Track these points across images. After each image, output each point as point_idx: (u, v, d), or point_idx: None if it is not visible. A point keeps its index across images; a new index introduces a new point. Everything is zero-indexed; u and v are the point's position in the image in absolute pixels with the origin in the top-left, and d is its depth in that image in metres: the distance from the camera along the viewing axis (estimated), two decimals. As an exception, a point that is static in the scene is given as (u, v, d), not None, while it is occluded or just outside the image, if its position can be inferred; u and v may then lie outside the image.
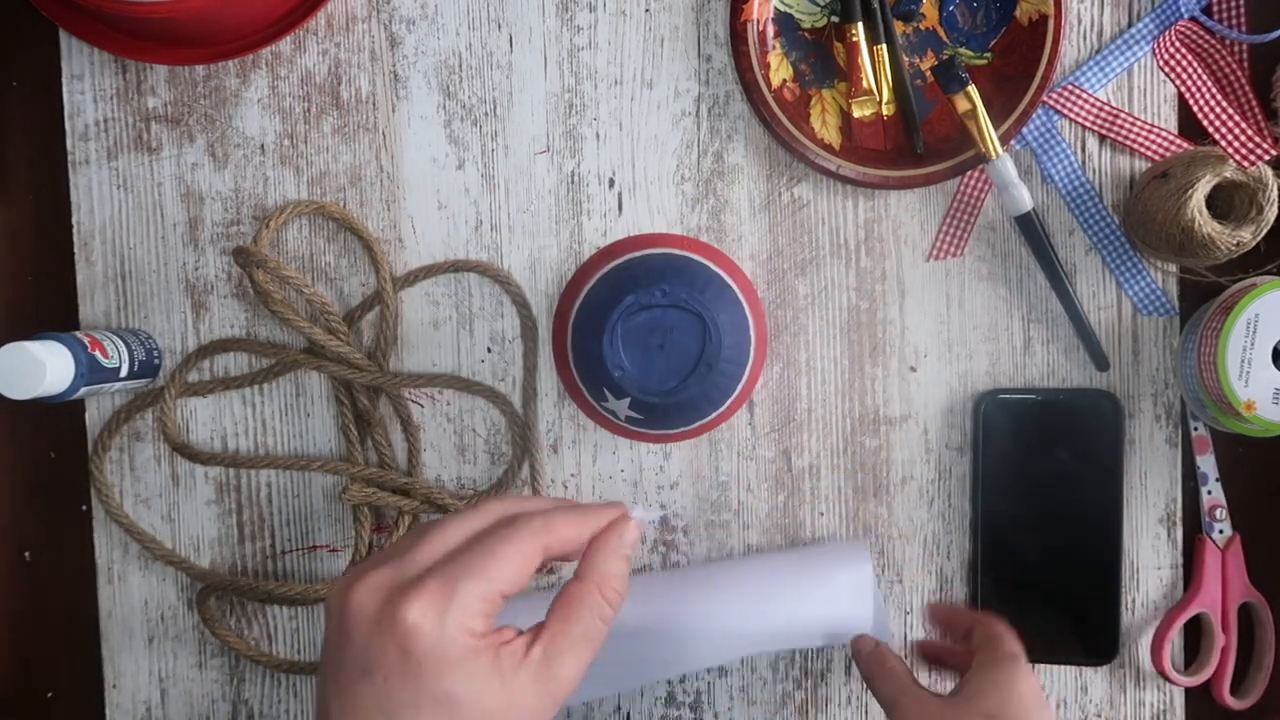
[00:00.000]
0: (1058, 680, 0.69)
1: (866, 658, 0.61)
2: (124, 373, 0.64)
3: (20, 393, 0.59)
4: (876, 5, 0.65)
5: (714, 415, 0.64)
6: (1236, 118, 0.64)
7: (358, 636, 0.42)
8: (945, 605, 0.68)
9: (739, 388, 0.63)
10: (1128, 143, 0.66)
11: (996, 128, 0.64)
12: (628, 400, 0.60)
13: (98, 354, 0.62)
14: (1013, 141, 0.66)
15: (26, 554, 0.70)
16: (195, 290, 0.68)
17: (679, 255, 0.63)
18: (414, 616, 0.41)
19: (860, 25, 0.65)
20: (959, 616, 0.65)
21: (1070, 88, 0.66)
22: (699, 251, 0.65)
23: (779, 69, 0.66)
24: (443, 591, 0.42)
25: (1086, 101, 0.66)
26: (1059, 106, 0.66)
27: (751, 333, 0.63)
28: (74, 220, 0.68)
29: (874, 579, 0.65)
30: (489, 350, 0.68)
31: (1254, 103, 0.66)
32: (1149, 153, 0.66)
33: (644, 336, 0.59)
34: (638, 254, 0.64)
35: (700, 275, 0.61)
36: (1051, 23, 0.64)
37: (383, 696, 0.41)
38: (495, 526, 0.44)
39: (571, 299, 0.66)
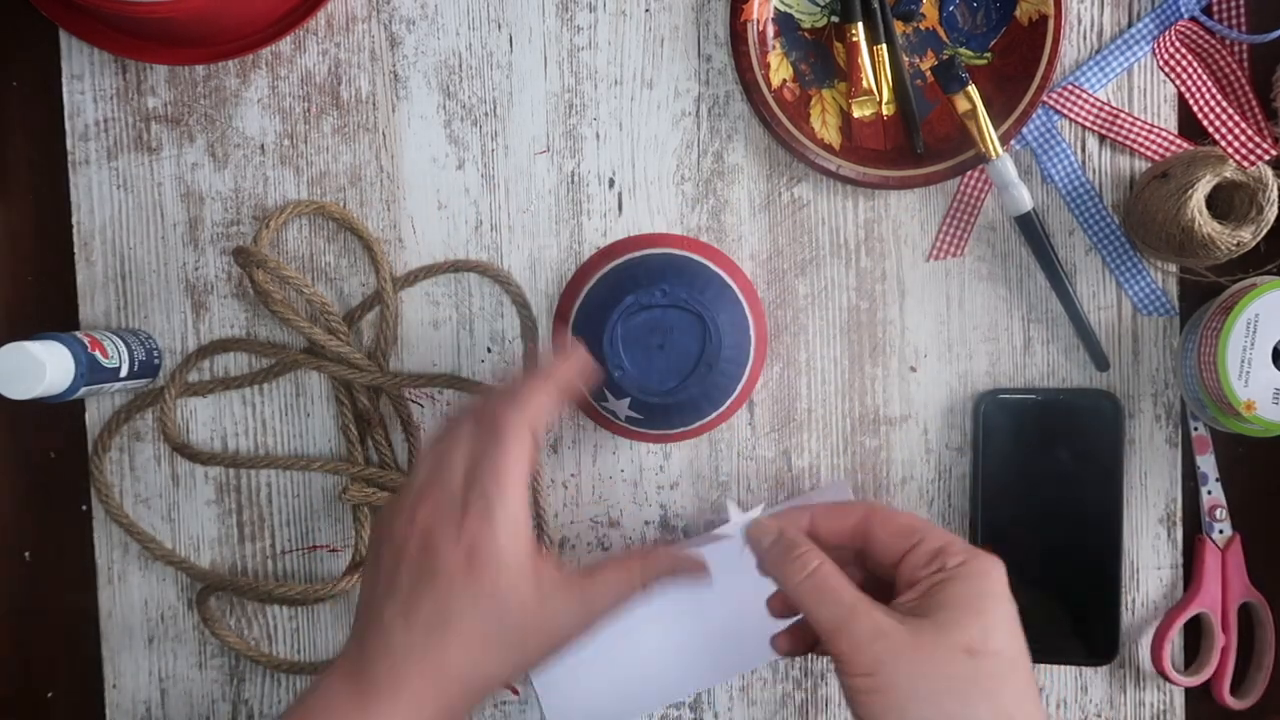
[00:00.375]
0: (1058, 680, 0.69)
1: (776, 553, 0.49)
2: (124, 373, 0.64)
3: (20, 393, 0.58)
4: (876, 5, 0.65)
5: (714, 415, 0.64)
6: (1236, 118, 0.64)
7: (425, 550, 0.48)
8: (820, 517, 0.52)
9: (739, 388, 0.63)
10: (1128, 143, 0.66)
11: (996, 128, 0.64)
12: (628, 400, 0.60)
13: (98, 354, 0.62)
14: (1013, 141, 0.66)
15: (26, 554, 0.70)
16: (195, 290, 0.68)
17: (679, 255, 0.63)
18: (473, 529, 0.47)
19: (860, 25, 0.65)
20: (841, 524, 0.51)
21: (1070, 88, 0.66)
22: (699, 251, 0.65)
23: (779, 69, 0.66)
24: (486, 511, 0.48)
25: (1086, 101, 0.66)
26: (1059, 106, 0.66)
27: (751, 333, 0.63)
28: (74, 220, 0.68)
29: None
30: (489, 350, 0.68)
31: (1254, 103, 0.66)
32: (1149, 153, 0.66)
33: (644, 336, 0.59)
34: (637, 254, 0.64)
35: (700, 275, 0.61)
36: (1051, 23, 0.64)
37: (443, 598, 0.47)
38: (484, 435, 0.49)
39: (571, 299, 0.66)
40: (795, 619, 0.53)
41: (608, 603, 0.50)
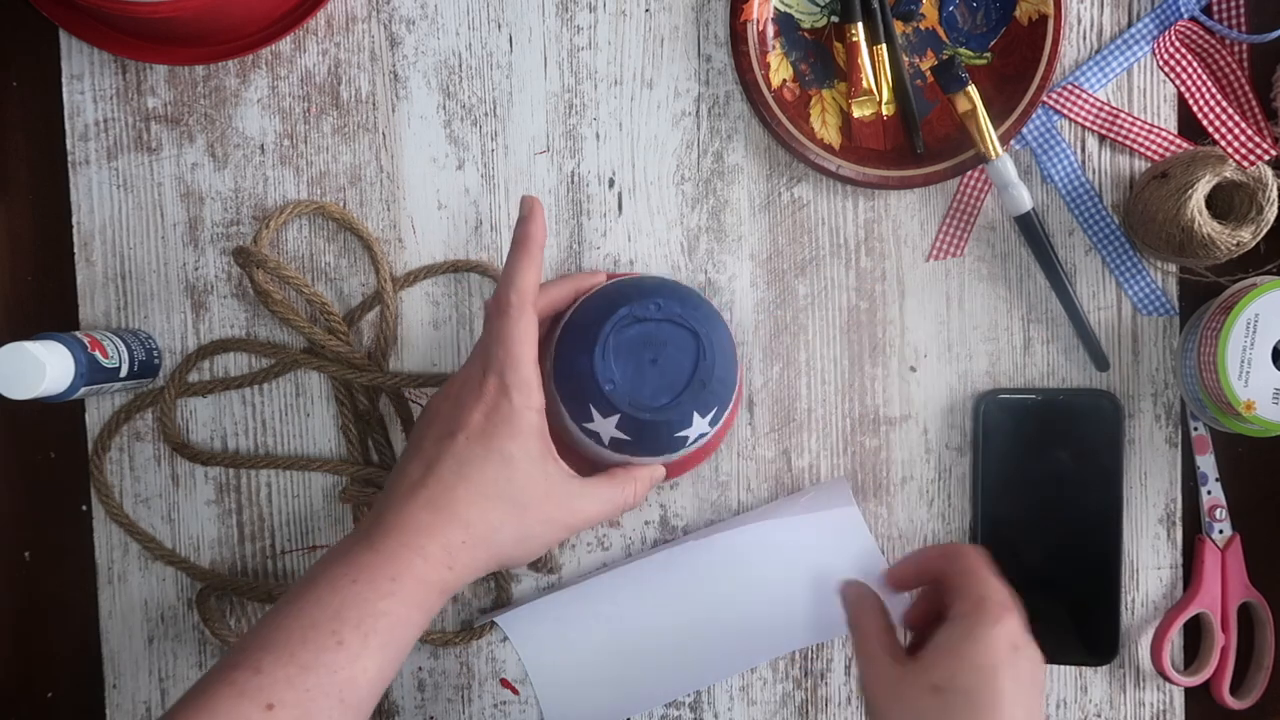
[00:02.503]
0: (1058, 680, 0.69)
1: (851, 605, 0.57)
2: (124, 373, 0.64)
3: (20, 393, 0.58)
4: (876, 5, 0.65)
5: (696, 445, 0.63)
6: (1236, 118, 0.64)
7: (457, 406, 0.55)
8: (906, 563, 0.60)
9: (724, 415, 0.61)
10: (1128, 143, 0.66)
11: (996, 128, 0.64)
12: (616, 418, 0.58)
13: (98, 354, 0.62)
14: (1013, 141, 0.66)
15: (26, 554, 0.70)
16: (195, 290, 0.68)
17: (670, 277, 0.62)
18: (490, 393, 0.54)
19: (860, 25, 0.65)
20: (928, 564, 0.58)
21: (1070, 88, 0.66)
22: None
23: (779, 69, 0.66)
24: (499, 381, 0.54)
25: (1086, 101, 0.66)
26: (1059, 106, 0.66)
27: (738, 361, 0.61)
28: (74, 220, 0.68)
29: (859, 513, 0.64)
30: (489, 350, 0.68)
31: (1254, 103, 0.66)
32: (1149, 153, 0.66)
33: (636, 350, 0.57)
34: (625, 275, 0.63)
35: (692, 295, 0.60)
36: (1051, 23, 0.64)
37: (462, 451, 0.54)
38: (491, 319, 0.56)
39: (549, 327, 0.62)
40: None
41: (601, 501, 0.57)
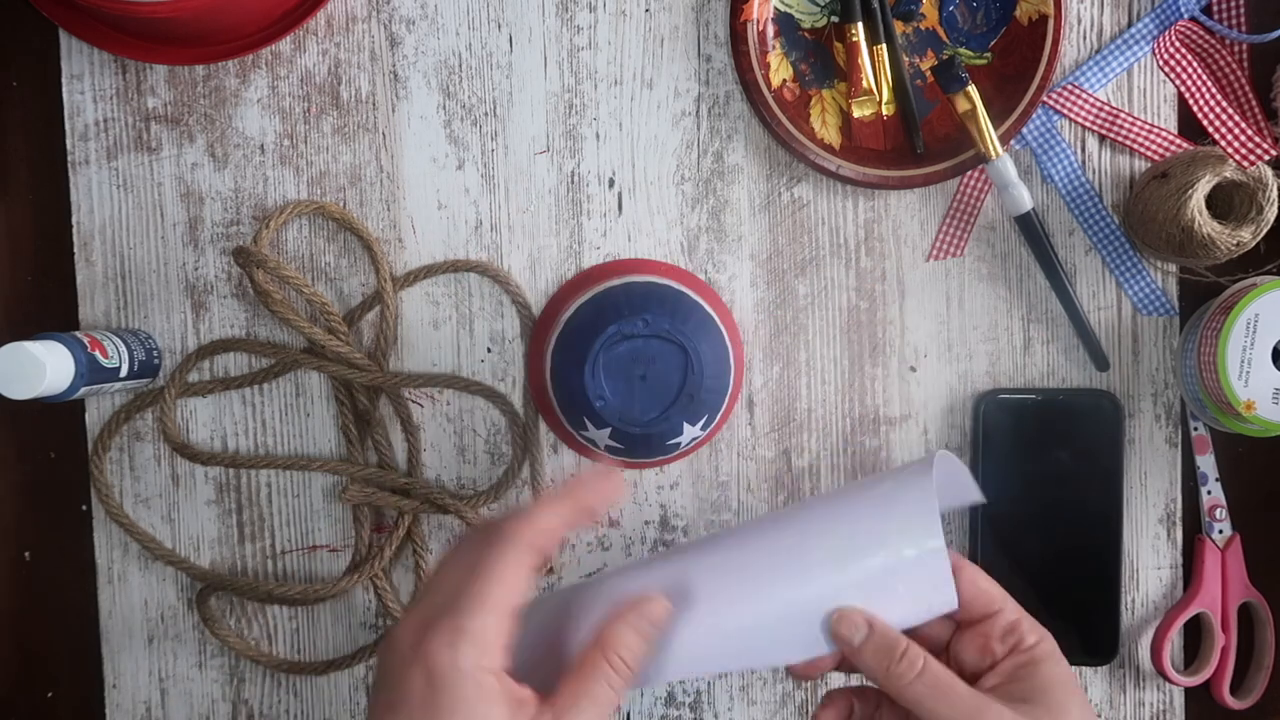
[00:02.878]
0: (1058, 680, 0.69)
1: (876, 653, 0.47)
2: (124, 373, 0.64)
3: (20, 393, 0.58)
4: (876, 5, 0.65)
5: (690, 444, 0.63)
6: (1236, 118, 0.64)
7: (390, 675, 0.44)
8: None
9: (717, 418, 0.63)
10: (1128, 143, 0.66)
11: (996, 128, 0.64)
12: (608, 430, 0.59)
13: (98, 354, 0.62)
14: (1013, 141, 0.66)
15: (26, 554, 0.70)
16: (195, 290, 0.68)
17: (661, 284, 0.62)
18: (433, 649, 0.43)
19: (860, 25, 0.65)
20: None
21: (1070, 88, 0.66)
22: (680, 280, 0.65)
23: (779, 69, 0.66)
24: (453, 627, 0.43)
25: (1086, 101, 0.66)
26: (1059, 106, 0.66)
27: (731, 363, 0.63)
28: (74, 220, 0.68)
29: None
30: (489, 350, 0.68)
31: (1254, 103, 0.66)
32: (1149, 153, 0.66)
33: (626, 366, 0.59)
34: (618, 281, 0.64)
35: (682, 305, 0.61)
36: (1051, 23, 0.64)
37: None
38: (483, 545, 0.46)
39: (548, 327, 0.65)
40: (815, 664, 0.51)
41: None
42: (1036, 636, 0.48)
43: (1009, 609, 0.49)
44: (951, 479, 0.54)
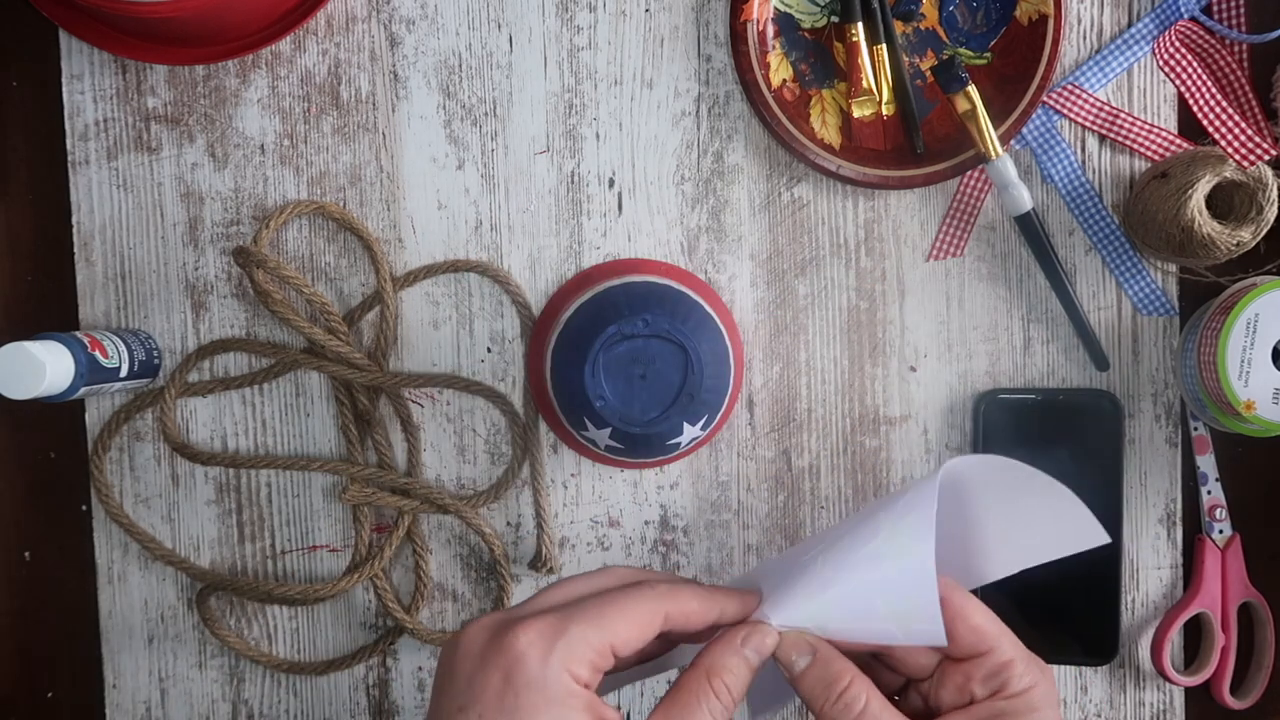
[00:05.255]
0: (1058, 680, 0.69)
1: (821, 688, 0.44)
2: (124, 373, 0.64)
3: (20, 393, 0.59)
4: (876, 5, 0.65)
5: (690, 444, 0.64)
6: (1236, 118, 0.64)
7: (462, 673, 0.41)
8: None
9: (717, 418, 0.63)
10: (1128, 143, 0.66)
11: (996, 128, 0.64)
12: (608, 430, 0.59)
13: (98, 354, 0.62)
14: (1013, 141, 0.66)
15: (26, 554, 0.70)
16: (195, 290, 0.68)
17: (660, 284, 0.63)
18: (522, 645, 0.40)
19: (860, 25, 0.65)
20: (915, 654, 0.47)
21: (1070, 88, 0.66)
22: (680, 279, 0.65)
23: (779, 69, 0.66)
24: (554, 627, 0.41)
25: (1086, 101, 0.66)
26: (1059, 106, 0.66)
27: (731, 363, 0.63)
28: (74, 220, 0.68)
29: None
30: (489, 350, 0.68)
31: (1254, 103, 0.66)
32: (1149, 153, 0.66)
33: (626, 366, 0.59)
34: (618, 281, 0.64)
35: (682, 304, 0.61)
36: (1051, 23, 0.64)
37: None
38: (620, 585, 0.44)
39: (547, 327, 0.65)
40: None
41: None
42: (1029, 681, 0.44)
43: (1004, 648, 0.45)
44: (1055, 512, 0.49)
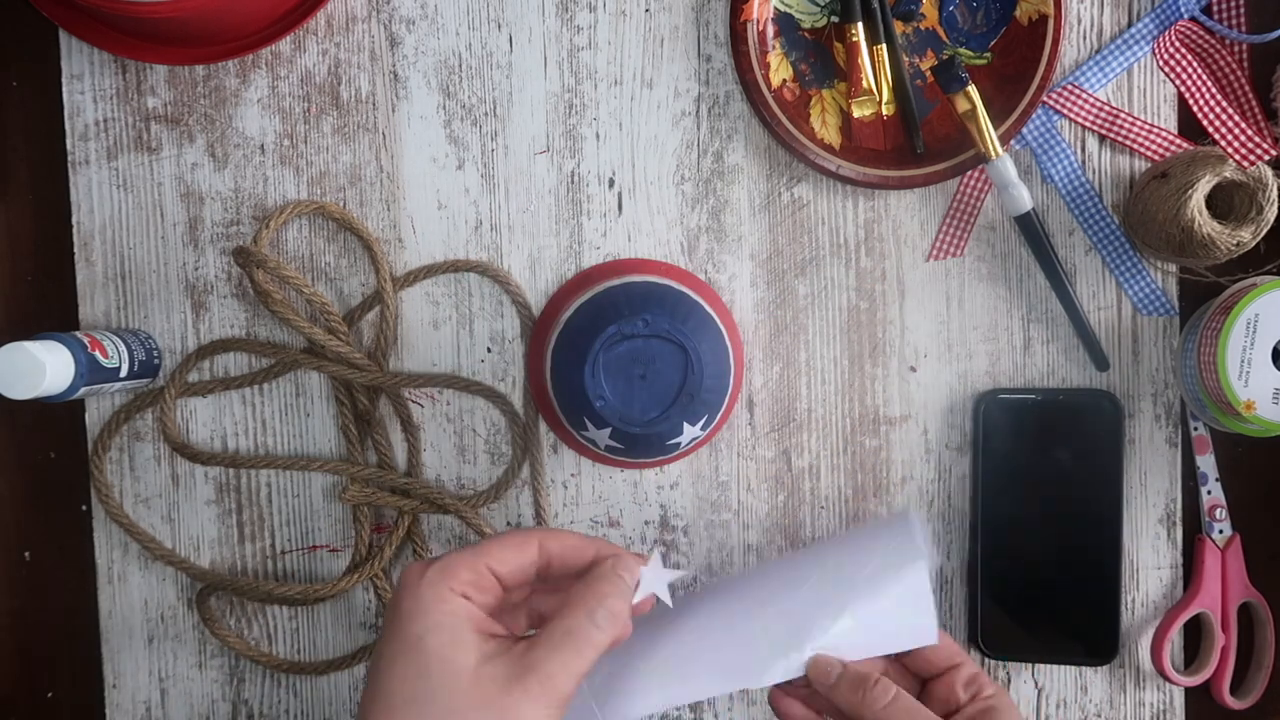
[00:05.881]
0: (1058, 680, 0.69)
1: (850, 686, 0.51)
2: (124, 373, 0.64)
3: (20, 393, 0.59)
4: (876, 5, 0.65)
5: (689, 444, 0.64)
6: (1236, 118, 0.64)
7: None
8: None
9: (717, 418, 0.63)
10: (1128, 143, 0.66)
11: (996, 128, 0.64)
12: (608, 430, 0.59)
13: (98, 354, 0.62)
14: (1013, 141, 0.66)
15: (26, 554, 0.70)
16: (195, 290, 0.68)
17: (660, 284, 0.62)
18: (407, 576, 0.45)
19: (860, 25, 0.65)
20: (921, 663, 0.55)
21: (1070, 88, 0.66)
22: (680, 279, 0.65)
23: (779, 69, 0.66)
24: (434, 560, 0.46)
25: (1086, 101, 0.66)
26: (1059, 106, 0.66)
27: (731, 363, 0.63)
28: (74, 220, 0.68)
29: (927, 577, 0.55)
30: (489, 350, 0.68)
31: (1254, 103, 0.66)
32: (1149, 153, 0.66)
33: (626, 366, 0.59)
34: (618, 281, 0.64)
35: (682, 304, 0.61)
36: (1051, 23, 0.64)
37: (376, 657, 0.44)
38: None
39: (547, 327, 0.65)
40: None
41: (567, 663, 0.44)
42: (994, 689, 0.52)
43: (968, 663, 0.54)
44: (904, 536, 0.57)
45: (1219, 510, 0.68)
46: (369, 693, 0.43)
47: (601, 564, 0.48)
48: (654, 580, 0.49)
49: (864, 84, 0.66)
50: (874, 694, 0.50)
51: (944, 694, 0.53)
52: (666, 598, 0.50)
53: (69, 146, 0.68)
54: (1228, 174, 0.61)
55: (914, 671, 0.55)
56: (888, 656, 0.55)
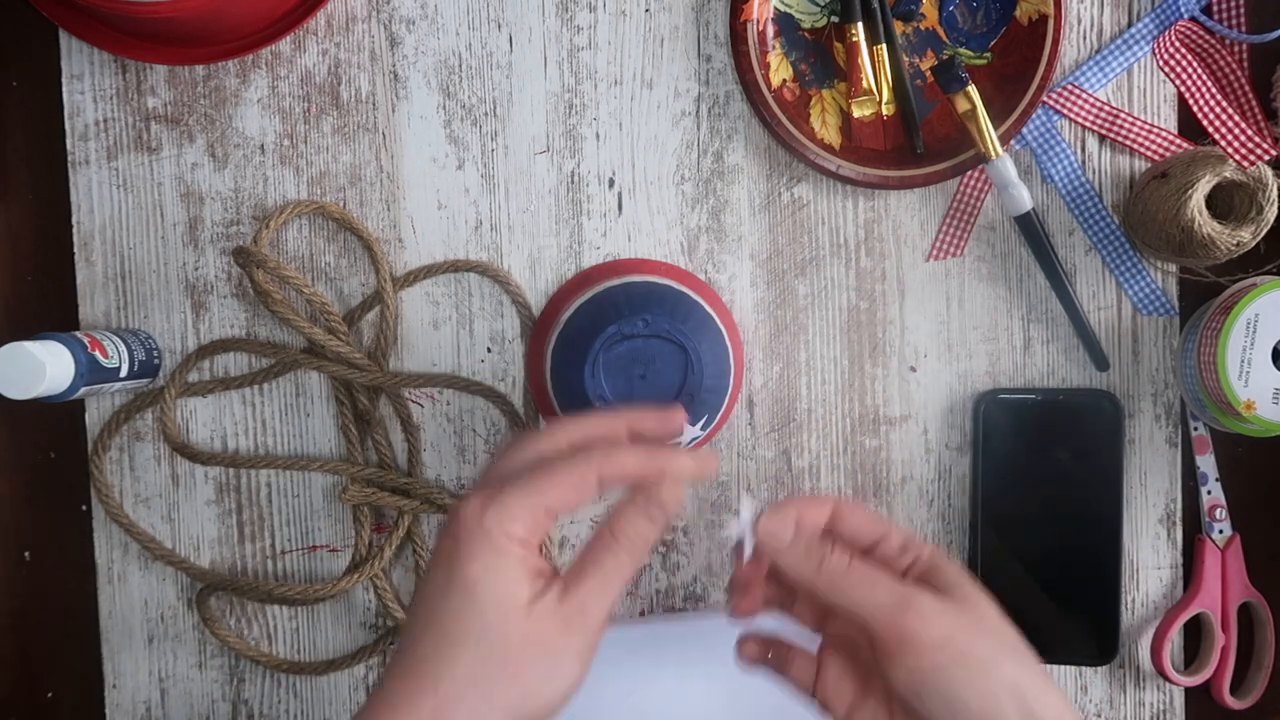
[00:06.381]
0: (1058, 680, 0.69)
1: (807, 551, 0.48)
2: (124, 373, 0.64)
3: (20, 393, 0.58)
4: (876, 5, 0.65)
5: (689, 445, 0.64)
6: (1236, 118, 0.64)
7: (439, 539, 0.47)
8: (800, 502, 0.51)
9: (717, 418, 0.63)
10: (1128, 143, 0.66)
11: (996, 128, 0.64)
12: None
13: (98, 354, 0.62)
14: (1013, 141, 0.66)
15: (26, 554, 0.70)
16: (195, 290, 0.68)
17: (660, 284, 0.62)
18: (464, 512, 0.45)
19: (860, 25, 0.65)
20: (830, 509, 0.50)
21: (1070, 88, 0.66)
22: (680, 279, 0.65)
23: (779, 69, 0.66)
24: (492, 495, 0.45)
25: (1086, 101, 0.66)
26: (1059, 106, 0.66)
27: (731, 363, 0.63)
28: (74, 220, 0.68)
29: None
30: (489, 350, 0.68)
31: (1254, 103, 0.66)
32: (1149, 153, 0.66)
33: (626, 366, 0.58)
34: (618, 281, 0.64)
35: (682, 304, 0.61)
36: (1051, 23, 0.64)
37: (426, 587, 0.45)
38: (564, 453, 0.48)
39: (547, 327, 0.65)
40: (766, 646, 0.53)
41: (599, 599, 0.46)
42: (928, 549, 0.49)
43: (895, 530, 0.50)
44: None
45: (1219, 510, 0.68)
46: (416, 626, 0.45)
47: (633, 502, 0.48)
48: (748, 531, 0.49)
49: (864, 84, 0.66)
50: (833, 561, 0.47)
51: (883, 564, 0.49)
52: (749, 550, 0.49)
53: (69, 146, 0.68)
54: (1228, 174, 0.61)
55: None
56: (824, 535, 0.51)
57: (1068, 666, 0.69)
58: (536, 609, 0.45)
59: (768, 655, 0.51)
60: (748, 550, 0.49)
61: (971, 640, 0.45)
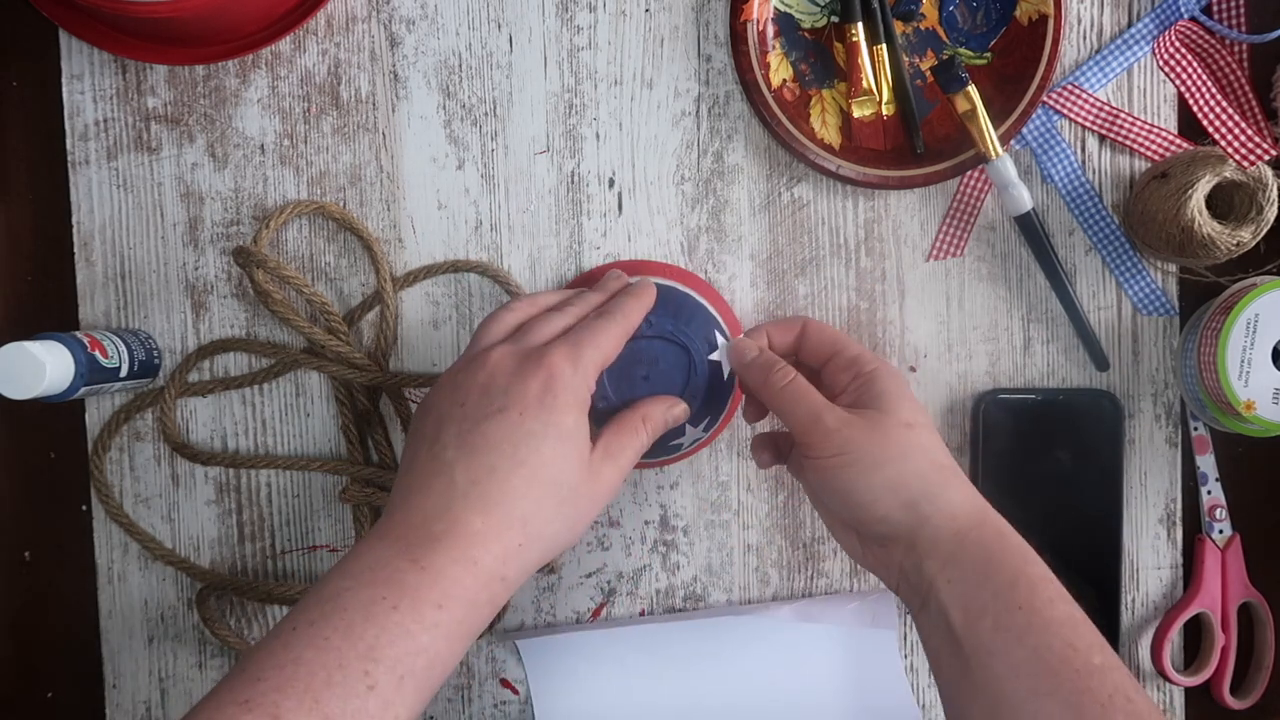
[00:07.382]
0: (1058, 680, 0.69)
1: (759, 368, 0.57)
2: (124, 373, 0.64)
3: (20, 393, 0.58)
4: (876, 5, 0.65)
5: (690, 446, 0.64)
6: (1236, 118, 0.64)
7: (498, 384, 0.50)
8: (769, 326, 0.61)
9: (719, 419, 0.63)
10: (1128, 143, 0.66)
11: (996, 128, 0.64)
12: None
13: (98, 354, 0.62)
14: (1013, 141, 0.66)
15: (26, 554, 0.70)
16: (195, 290, 0.68)
17: (664, 285, 0.62)
18: (557, 359, 0.51)
19: (860, 25, 0.65)
20: (798, 329, 0.60)
21: (1070, 88, 0.66)
22: (684, 280, 0.65)
23: (779, 69, 0.66)
24: (574, 349, 0.52)
25: (1086, 101, 0.66)
26: (1059, 106, 0.66)
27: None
28: (74, 220, 0.68)
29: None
30: (489, 350, 0.68)
31: (1254, 103, 0.66)
32: (1149, 153, 0.66)
33: (629, 367, 0.58)
34: None
35: (685, 306, 0.61)
36: (1051, 23, 0.64)
37: (514, 427, 0.49)
38: (592, 314, 0.56)
39: None
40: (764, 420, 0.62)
41: (622, 465, 0.53)
42: (874, 364, 0.56)
43: (850, 347, 0.58)
44: None
45: (1219, 510, 0.68)
46: (504, 462, 0.48)
47: (660, 400, 0.57)
48: (724, 354, 0.60)
49: (864, 84, 0.66)
50: (774, 377, 0.56)
51: (829, 379, 0.58)
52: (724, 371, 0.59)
53: (69, 146, 0.68)
54: (1228, 174, 0.61)
55: (807, 364, 0.59)
56: (790, 354, 0.60)
57: (1068, 666, 0.69)
58: (593, 458, 0.52)
59: (778, 456, 0.60)
60: (725, 371, 0.59)
61: (863, 446, 0.53)
